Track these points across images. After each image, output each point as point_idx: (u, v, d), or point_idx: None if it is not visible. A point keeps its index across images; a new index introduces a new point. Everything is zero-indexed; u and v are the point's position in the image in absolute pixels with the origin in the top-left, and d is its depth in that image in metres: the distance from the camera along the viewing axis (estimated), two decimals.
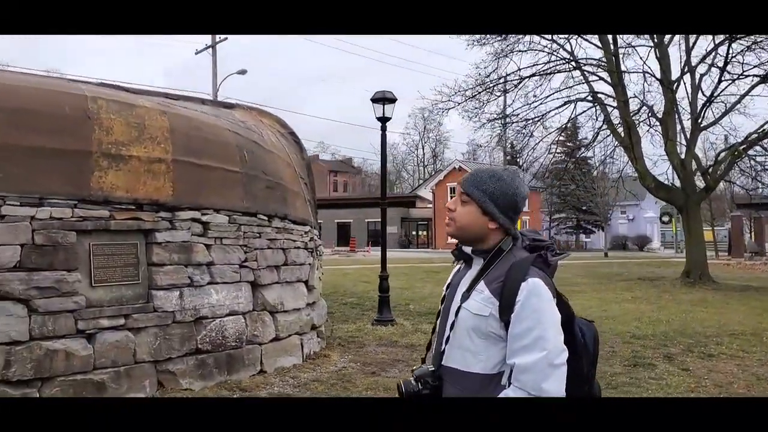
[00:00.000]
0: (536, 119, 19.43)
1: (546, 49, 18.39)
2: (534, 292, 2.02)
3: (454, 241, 2.43)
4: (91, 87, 5.91)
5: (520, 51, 18.34)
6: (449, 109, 19.51)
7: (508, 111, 19.85)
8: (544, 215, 54.27)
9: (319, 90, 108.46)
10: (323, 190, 62.54)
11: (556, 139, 21.48)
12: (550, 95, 19.12)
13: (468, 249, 2.34)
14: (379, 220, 10.78)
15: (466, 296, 2.24)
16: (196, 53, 33.34)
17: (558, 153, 25.58)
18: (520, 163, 21.74)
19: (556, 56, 18.50)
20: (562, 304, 2.17)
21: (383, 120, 10.15)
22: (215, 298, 6.25)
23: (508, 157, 37.01)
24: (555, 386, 1.94)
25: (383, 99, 9.93)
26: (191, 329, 6.04)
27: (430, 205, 55.09)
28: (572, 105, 19.06)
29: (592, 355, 2.23)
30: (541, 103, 19.10)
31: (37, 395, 4.99)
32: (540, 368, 1.95)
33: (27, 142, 5.08)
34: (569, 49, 18.27)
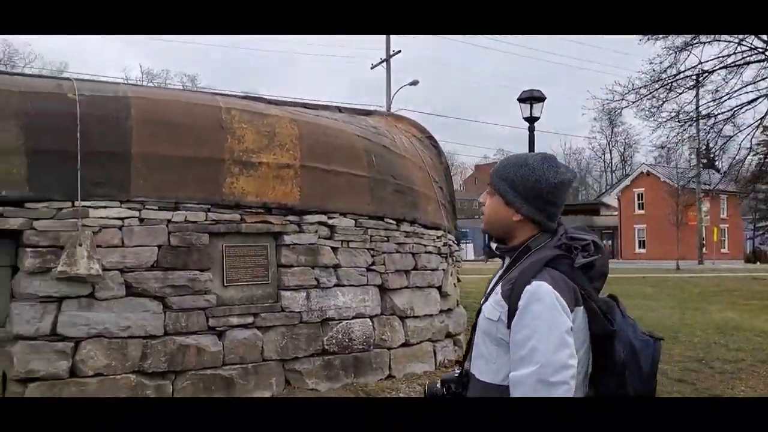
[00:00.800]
0: (724, 114, 17.48)
1: (734, 40, 16.50)
2: (536, 296, 1.77)
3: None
4: (226, 99, 6.30)
5: (701, 43, 16.61)
6: (623, 108, 18.26)
7: (688, 108, 18.07)
8: (747, 223, 48.78)
9: (503, 97, 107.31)
10: None
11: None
12: (740, 89, 17.08)
13: (494, 245, 2.11)
14: None
15: (486, 298, 2.03)
16: (372, 68, 34.55)
17: (761, 151, 22.81)
18: (719, 166, 19.65)
19: (747, 45, 16.52)
20: (595, 316, 1.86)
21: (531, 120, 9.73)
22: (342, 300, 6.35)
23: (703, 160, 33.75)
24: None
25: (530, 98, 9.52)
26: (318, 330, 6.18)
27: (616, 213, 52.02)
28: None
29: (646, 374, 1.88)
30: (729, 98, 17.16)
31: (171, 388, 5.38)
32: (530, 384, 1.69)
33: (166, 152, 5.52)
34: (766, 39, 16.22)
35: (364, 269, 6.57)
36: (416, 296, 6.98)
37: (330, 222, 6.34)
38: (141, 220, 5.38)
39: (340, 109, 7.91)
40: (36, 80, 5.51)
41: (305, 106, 7.58)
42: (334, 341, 6.26)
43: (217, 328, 5.66)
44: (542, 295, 1.76)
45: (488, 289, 2.06)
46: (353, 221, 6.52)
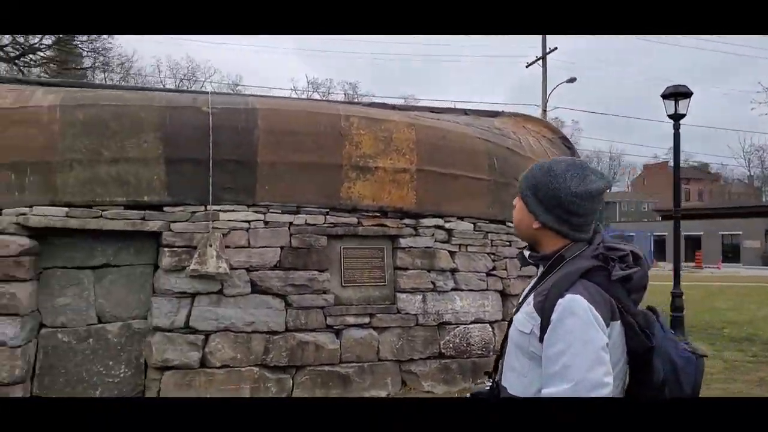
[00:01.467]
0: None
1: None
2: (569, 310, 1.69)
3: None
4: (346, 107, 6.55)
5: None
6: None
7: None
8: None
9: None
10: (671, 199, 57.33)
11: None
12: None
13: (527, 253, 2.03)
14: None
15: (518, 308, 1.96)
16: (527, 66, 33.83)
17: None
18: None
19: None
20: (632, 331, 1.77)
21: (676, 117, 9.03)
22: (459, 305, 6.34)
23: None
24: None
25: (675, 94, 8.85)
26: (434, 333, 6.23)
27: None
28: None
29: (687, 393, 1.78)
30: None
31: (291, 382, 5.70)
32: None
33: (289, 159, 5.86)
34: None
35: (484, 274, 6.51)
36: None
37: (447, 225, 6.36)
38: (266, 222, 5.76)
39: (465, 112, 7.89)
40: (176, 95, 6.08)
41: (431, 110, 7.67)
42: (451, 345, 6.27)
43: (335, 327, 5.89)
44: (577, 309, 1.68)
45: (520, 299, 1.99)
46: (472, 225, 6.48)
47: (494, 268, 6.55)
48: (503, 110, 8.03)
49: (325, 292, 5.87)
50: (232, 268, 5.53)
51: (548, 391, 1.68)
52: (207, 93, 6.27)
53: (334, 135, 6.04)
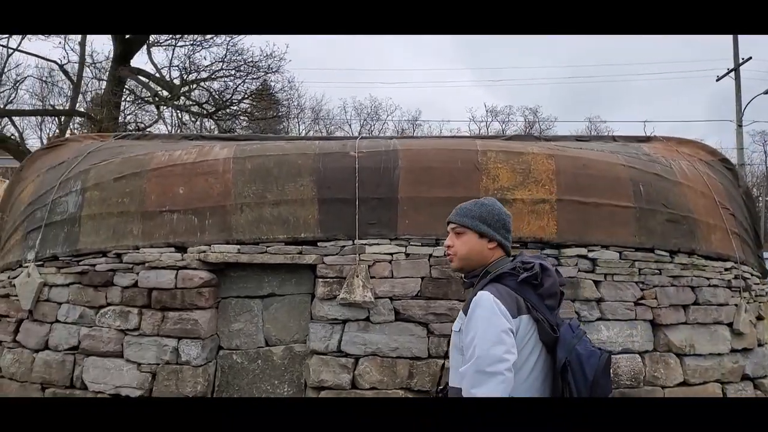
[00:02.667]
0: None
1: None
2: (478, 303, 2.19)
3: None
4: (484, 142, 6.81)
5: None
6: None
7: None
8: None
9: None
10: None
11: None
12: None
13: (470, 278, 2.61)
14: None
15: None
16: (717, 80, 31.38)
17: None
18: None
19: None
20: (539, 324, 2.24)
21: None
22: (605, 335, 6.23)
23: None
24: (484, 391, 2.00)
25: None
26: None
27: None
28: None
29: (590, 381, 2.17)
30: None
31: None
32: (470, 374, 2.07)
33: (428, 194, 6.26)
34: None
35: (632, 303, 6.34)
36: (698, 333, 6.43)
37: (590, 255, 6.32)
38: (407, 254, 6.18)
39: (614, 138, 7.77)
40: (328, 143, 6.79)
41: (577, 138, 7.67)
42: None
43: None
44: (483, 302, 2.17)
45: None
46: (617, 254, 6.37)
47: (643, 297, 6.34)
48: (654, 134, 7.78)
49: None
50: (377, 297, 6.01)
51: (462, 369, 2.14)
52: (356, 138, 6.91)
53: (470, 169, 6.34)
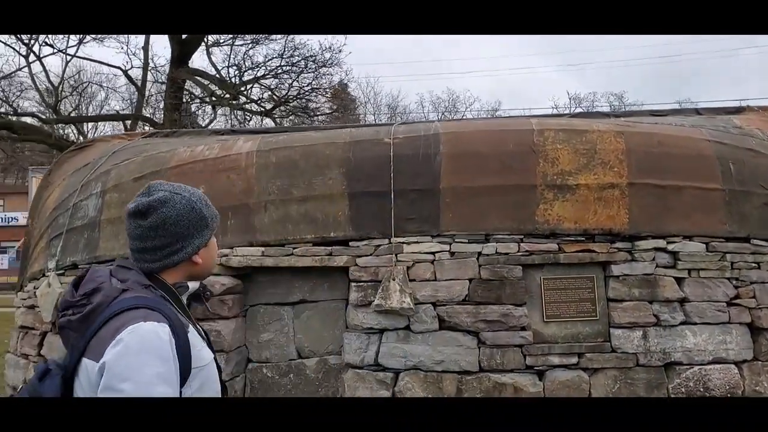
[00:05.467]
0: None
1: None
2: None
3: None
4: (540, 120, 5.90)
5: None
6: None
7: None
8: None
9: None
10: None
11: None
12: None
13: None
14: None
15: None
16: None
17: None
18: None
19: None
20: None
21: None
22: (692, 342, 5.24)
23: None
24: None
25: None
26: (660, 375, 5.22)
27: None
28: None
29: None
30: None
31: None
32: None
33: (474, 183, 5.45)
34: None
35: (724, 303, 5.30)
36: None
37: (670, 248, 5.33)
38: (451, 253, 5.39)
39: (698, 111, 6.69)
40: (360, 130, 6.06)
41: (652, 113, 6.65)
42: (683, 390, 5.19)
43: (536, 367, 5.25)
44: None
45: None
46: (703, 245, 5.35)
47: (737, 296, 5.30)
48: (747, 105, 6.63)
49: (523, 329, 5.27)
50: (417, 302, 5.26)
51: None
52: (392, 124, 6.15)
53: (524, 152, 5.48)
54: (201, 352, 1.84)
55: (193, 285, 1.99)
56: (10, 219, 40.77)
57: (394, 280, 5.22)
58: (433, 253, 5.39)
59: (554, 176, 5.42)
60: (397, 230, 5.39)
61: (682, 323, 5.27)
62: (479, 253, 5.38)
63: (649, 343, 5.24)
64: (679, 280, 5.33)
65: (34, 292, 6.33)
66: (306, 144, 5.77)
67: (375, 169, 5.52)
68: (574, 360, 5.25)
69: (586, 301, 5.42)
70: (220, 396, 1.95)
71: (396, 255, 5.37)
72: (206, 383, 1.83)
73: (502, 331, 5.26)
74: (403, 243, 5.40)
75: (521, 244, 5.38)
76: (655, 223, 5.37)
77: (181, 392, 1.69)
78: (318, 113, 18.83)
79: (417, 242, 5.40)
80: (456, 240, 5.40)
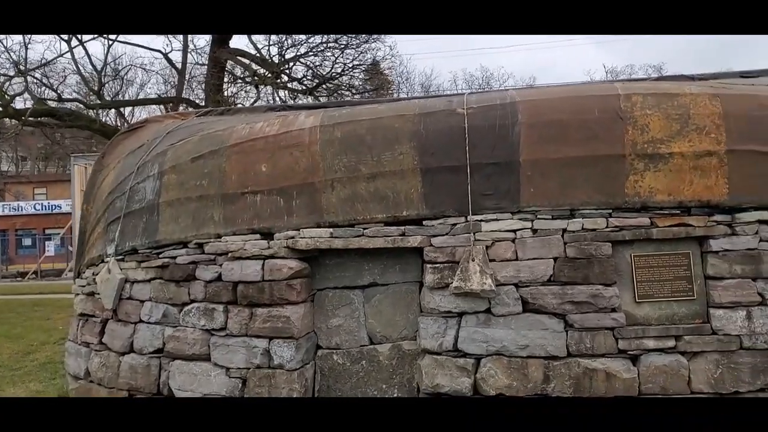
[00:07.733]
0: None
1: None
2: None
3: None
4: (626, 84, 5.43)
5: None
6: None
7: None
8: None
9: None
10: None
11: None
12: None
13: None
14: None
15: None
16: None
17: None
18: None
19: None
20: None
21: None
22: None
23: None
24: None
25: None
26: (766, 359, 4.79)
27: None
28: None
29: None
30: None
31: None
32: None
33: (556, 155, 5.04)
34: None
35: None
36: None
37: None
38: (534, 231, 5.01)
39: None
40: (429, 101, 5.67)
41: (742, 75, 6.11)
42: None
43: (629, 352, 4.86)
44: None
45: None
46: None
47: None
48: None
49: (614, 310, 4.88)
50: (498, 284, 4.90)
51: None
52: (463, 93, 5.75)
53: (611, 119, 5.04)
54: None
55: None
56: (54, 207, 41.54)
57: (473, 260, 4.88)
58: (514, 231, 5.01)
59: (644, 144, 4.97)
60: (474, 207, 5.03)
61: None
62: (564, 230, 4.98)
63: (753, 324, 4.81)
64: None
65: (93, 279, 6.16)
66: (372, 117, 5.42)
67: (448, 142, 5.15)
68: (670, 343, 4.85)
69: (681, 279, 4.99)
70: None
71: (474, 234, 5.01)
72: None
73: (591, 313, 4.88)
74: (481, 221, 5.04)
75: (610, 219, 4.97)
76: (759, 194, 4.89)
77: None
78: (363, 90, 18.42)
79: (496, 220, 5.03)
80: (539, 216, 5.02)
